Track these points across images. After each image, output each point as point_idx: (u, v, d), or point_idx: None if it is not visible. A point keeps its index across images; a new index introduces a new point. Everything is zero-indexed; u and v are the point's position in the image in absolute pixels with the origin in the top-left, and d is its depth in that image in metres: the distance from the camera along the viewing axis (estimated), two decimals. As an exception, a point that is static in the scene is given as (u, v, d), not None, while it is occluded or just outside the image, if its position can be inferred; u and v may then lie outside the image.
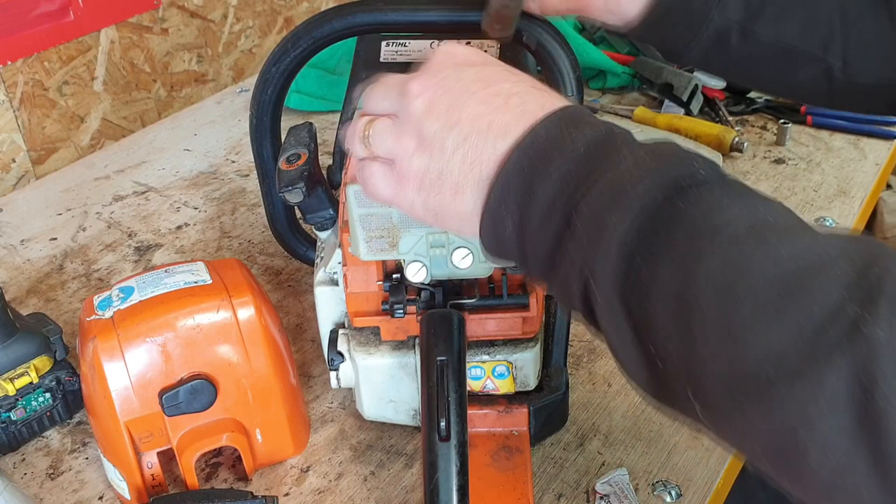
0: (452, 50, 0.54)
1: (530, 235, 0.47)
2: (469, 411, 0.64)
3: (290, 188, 0.66)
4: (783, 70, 0.76)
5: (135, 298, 0.68)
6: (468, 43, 0.77)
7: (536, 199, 0.46)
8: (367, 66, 0.79)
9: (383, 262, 0.68)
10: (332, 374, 0.72)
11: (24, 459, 0.76)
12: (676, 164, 0.44)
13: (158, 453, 0.69)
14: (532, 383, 0.72)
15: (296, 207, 0.73)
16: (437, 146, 0.50)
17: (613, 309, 0.43)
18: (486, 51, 0.76)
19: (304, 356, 0.86)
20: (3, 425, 0.75)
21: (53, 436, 0.79)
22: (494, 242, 0.50)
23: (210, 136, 1.30)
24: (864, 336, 0.35)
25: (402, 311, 0.67)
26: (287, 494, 0.72)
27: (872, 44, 0.74)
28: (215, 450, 0.74)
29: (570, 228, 0.45)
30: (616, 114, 1.27)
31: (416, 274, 0.65)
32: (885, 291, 0.36)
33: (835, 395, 0.36)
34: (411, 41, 0.80)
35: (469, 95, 0.50)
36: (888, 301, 0.36)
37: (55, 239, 1.08)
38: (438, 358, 0.60)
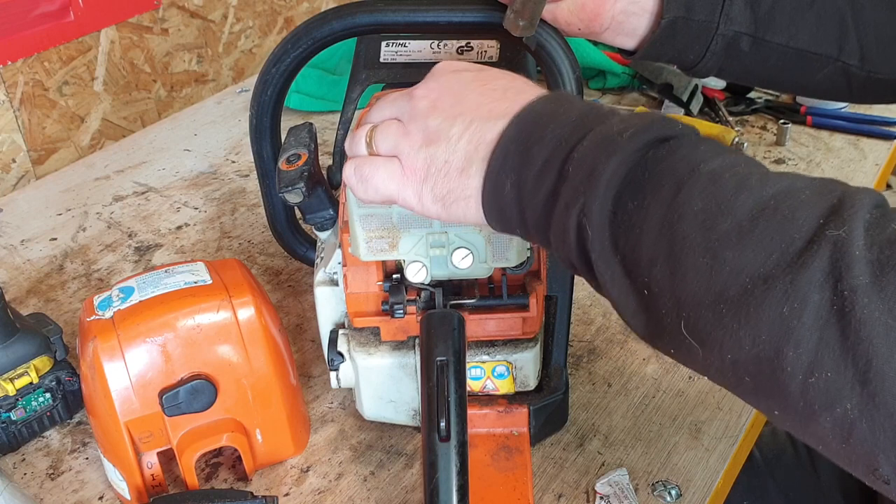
0: (450, 62, 0.59)
1: (528, 193, 0.50)
2: (469, 411, 0.64)
3: (290, 188, 0.67)
4: (800, 72, 0.76)
5: (135, 298, 0.68)
6: (468, 43, 0.77)
7: (533, 160, 0.50)
8: (367, 67, 0.79)
9: (383, 262, 0.68)
10: (332, 374, 0.73)
11: (24, 459, 0.76)
12: (660, 122, 0.48)
13: (158, 453, 0.69)
14: (532, 383, 0.72)
15: (296, 207, 0.73)
16: (443, 136, 0.54)
17: (605, 247, 0.47)
18: (485, 51, 0.76)
19: (304, 356, 0.87)
20: (3, 425, 0.75)
21: (53, 436, 0.79)
22: (495, 206, 0.52)
23: (210, 137, 1.30)
24: (837, 248, 0.39)
25: (402, 311, 0.67)
26: (287, 494, 0.72)
27: (890, 38, 0.74)
28: (215, 450, 0.74)
29: (563, 177, 0.49)
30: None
31: (416, 274, 0.65)
32: (857, 217, 0.40)
33: (806, 293, 0.39)
34: (411, 41, 0.81)
35: (469, 91, 0.55)
36: (860, 223, 0.40)
37: (55, 239, 1.08)
38: (438, 358, 0.60)
